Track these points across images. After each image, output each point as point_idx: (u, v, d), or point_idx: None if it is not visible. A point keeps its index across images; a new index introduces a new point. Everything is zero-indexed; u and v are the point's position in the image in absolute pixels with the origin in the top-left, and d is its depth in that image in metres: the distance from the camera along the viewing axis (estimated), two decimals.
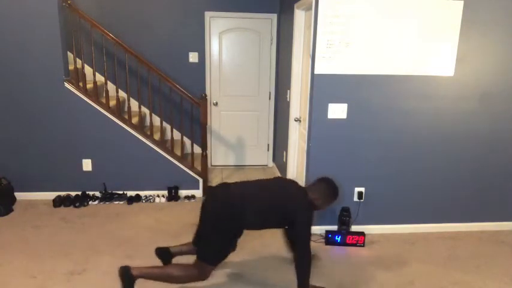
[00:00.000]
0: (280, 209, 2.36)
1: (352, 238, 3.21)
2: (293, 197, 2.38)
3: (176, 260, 2.68)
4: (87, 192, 4.05)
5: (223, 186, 2.46)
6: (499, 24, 3.13)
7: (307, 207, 2.38)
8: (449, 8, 3.04)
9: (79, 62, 4.17)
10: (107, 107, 3.93)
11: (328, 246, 3.21)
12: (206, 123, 4.14)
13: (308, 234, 2.37)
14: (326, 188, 2.46)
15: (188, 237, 3.28)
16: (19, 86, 3.78)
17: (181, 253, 2.70)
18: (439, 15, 3.04)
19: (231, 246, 2.44)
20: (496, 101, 3.29)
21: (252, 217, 2.33)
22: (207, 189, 2.37)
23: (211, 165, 5.28)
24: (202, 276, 2.36)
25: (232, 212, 2.31)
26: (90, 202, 3.98)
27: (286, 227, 2.61)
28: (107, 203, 4.00)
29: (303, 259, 2.36)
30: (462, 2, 3.04)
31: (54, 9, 3.63)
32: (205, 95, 4.09)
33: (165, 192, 4.16)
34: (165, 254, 2.68)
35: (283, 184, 2.49)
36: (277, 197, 2.38)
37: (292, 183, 2.51)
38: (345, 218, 3.24)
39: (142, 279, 2.35)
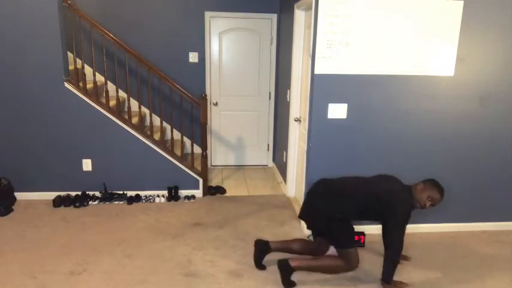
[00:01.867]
0: (377, 204, 2.49)
1: None
2: (394, 193, 2.50)
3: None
4: (87, 192, 4.05)
5: (324, 183, 2.67)
6: (499, 24, 3.13)
7: (405, 205, 2.48)
8: (449, 8, 3.04)
9: (79, 62, 4.17)
10: (107, 107, 3.93)
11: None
12: (206, 123, 4.14)
13: (401, 231, 2.47)
14: (434, 189, 2.55)
15: (189, 237, 3.29)
16: (19, 86, 3.78)
17: (277, 250, 2.83)
18: (439, 15, 3.04)
19: (351, 224, 2.59)
20: (496, 101, 3.29)
21: (351, 211, 2.51)
22: (310, 187, 2.73)
23: (211, 165, 5.28)
24: (351, 261, 2.52)
25: (334, 207, 2.51)
26: (90, 202, 3.98)
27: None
28: (107, 203, 4.00)
29: (391, 255, 2.49)
30: (462, 2, 3.04)
31: (54, 9, 3.63)
32: (205, 95, 4.09)
33: (165, 192, 4.16)
34: (263, 247, 2.82)
35: (386, 180, 2.63)
36: (377, 192, 2.52)
37: (395, 180, 2.64)
38: None
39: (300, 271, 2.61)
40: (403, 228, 2.47)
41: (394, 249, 2.48)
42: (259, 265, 2.83)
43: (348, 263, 2.52)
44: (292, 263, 2.57)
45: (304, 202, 2.73)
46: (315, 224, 2.68)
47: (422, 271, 2.88)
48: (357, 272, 2.83)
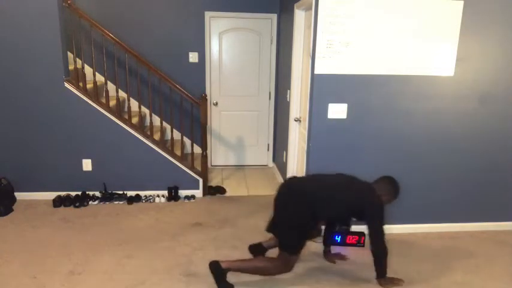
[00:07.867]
0: (351, 203, 2.53)
1: (352, 238, 3.20)
2: (364, 192, 2.55)
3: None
4: (87, 192, 4.05)
5: (298, 179, 2.68)
6: (499, 24, 3.13)
7: (378, 202, 2.53)
8: (449, 8, 3.04)
9: (79, 62, 4.17)
10: (107, 107, 3.93)
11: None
12: (206, 123, 4.14)
13: (381, 226, 2.50)
14: (391, 186, 2.63)
15: (189, 237, 3.29)
16: (19, 86, 3.78)
17: (271, 247, 2.84)
18: (439, 15, 3.04)
19: (307, 235, 2.58)
20: (496, 101, 3.29)
21: (323, 209, 2.50)
22: (282, 183, 2.67)
23: (211, 165, 5.28)
24: (287, 266, 2.53)
25: (307, 204, 2.46)
26: (90, 202, 3.98)
27: (354, 219, 2.75)
28: (107, 203, 4.00)
29: (377, 251, 2.53)
30: (462, 2, 3.04)
31: (54, 9, 3.63)
32: (205, 95, 4.10)
33: (165, 192, 4.16)
34: (258, 249, 2.87)
35: (350, 180, 2.63)
36: (349, 191, 2.54)
37: (356, 178, 2.65)
38: None
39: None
40: (380, 224, 2.51)
41: (376, 245, 2.52)
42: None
43: (285, 268, 2.52)
44: (223, 265, 2.52)
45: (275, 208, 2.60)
46: (280, 218, 2.57)
47: (422, 271, 2.88)
48: (357, 272, 2.83)
